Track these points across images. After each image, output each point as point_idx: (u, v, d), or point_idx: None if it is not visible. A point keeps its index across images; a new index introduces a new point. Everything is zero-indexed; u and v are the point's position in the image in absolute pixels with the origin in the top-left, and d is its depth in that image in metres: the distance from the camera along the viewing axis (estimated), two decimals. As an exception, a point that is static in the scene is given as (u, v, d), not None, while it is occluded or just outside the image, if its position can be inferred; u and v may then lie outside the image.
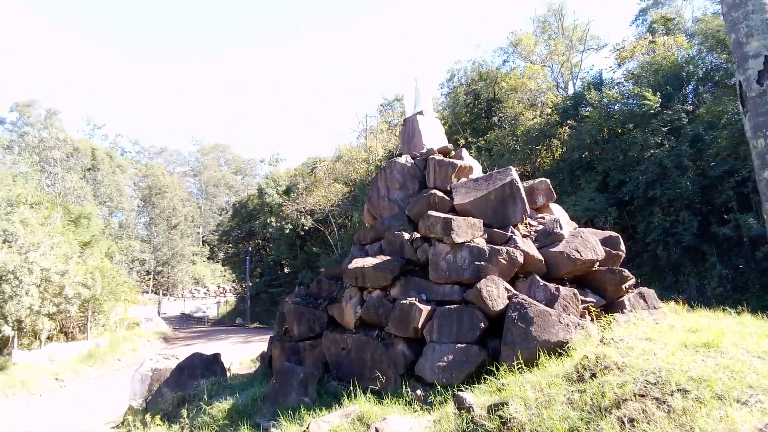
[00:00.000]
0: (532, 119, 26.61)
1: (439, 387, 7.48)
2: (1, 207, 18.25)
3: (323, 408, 8.10)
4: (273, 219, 42.72)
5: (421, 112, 12.75)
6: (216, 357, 12.11)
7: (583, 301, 8.36)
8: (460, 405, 6.48)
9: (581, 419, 5.31)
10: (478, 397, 6.63)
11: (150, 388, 12.42)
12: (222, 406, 9.05)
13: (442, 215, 9.45)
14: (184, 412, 8.99)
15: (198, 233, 76.42)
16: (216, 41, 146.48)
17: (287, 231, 40.67)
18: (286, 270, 45.20)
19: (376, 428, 6.59)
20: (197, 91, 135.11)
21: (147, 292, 51.11)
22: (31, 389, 18.46)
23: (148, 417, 8.60)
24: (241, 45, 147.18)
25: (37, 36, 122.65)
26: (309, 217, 37.57)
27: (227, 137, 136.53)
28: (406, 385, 8.08)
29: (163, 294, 52.69)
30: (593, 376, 6.00)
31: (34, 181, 30.55)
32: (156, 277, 57.48)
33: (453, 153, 11.68)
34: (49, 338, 22.35)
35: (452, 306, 8.50)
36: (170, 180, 68.09)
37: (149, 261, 54.95)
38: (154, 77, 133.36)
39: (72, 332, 24.58)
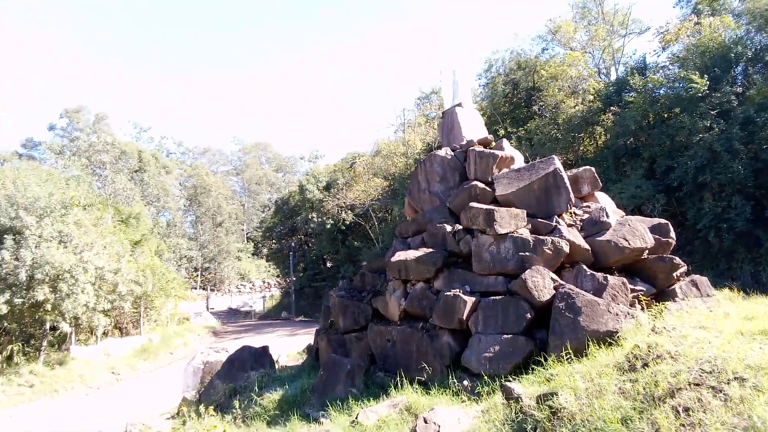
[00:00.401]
0: (574, 107, 26.06)
1: (485, 377, 7.48)
2: (56, 209, 19.00)
3: (370, 398, 8.22)
4: (314, 214, 43.21)
5: (459, 104, 12.67)
6: (265, 350, 12.39)
7: (632, 290, 8.20)
8: (509, 395, 6.47)
9: (634, 409, 5.24)
10: (526, 387, 6.61)
11: (202, 380, 12.80)
12: (272, 396, 9.28)
13: (484, 206, 9.40)
14: (236, 403, 9.24)
15: (242, 230, 78.05)
16: (251, 44, 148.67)
17: (328, 226, 41.09)
18: (328, 264, 45.69)
19: (424, 418, 6.65)
20: (236, 91, 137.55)
21: (195, 288, 52.52)
22: (89, 383, 19.29)
23: (201, 408, 8.89)
24: (275, 45, 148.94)
25: (84, 43, 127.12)
26: (349, 211, 37.87)
27: (267, 136, 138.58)
28: (452, 376, 8.11)
29: (211, 290, 54.09)
30: (645, 365, 5.89)
31: (86, 183, 31.73)
32: (203, 273, 59.04)
33: (493, 144, 11.59)
34: (105, 334, 23.27)
35: (497, 297, 8.47)
36: (214, 179, 69.63)
37: (196, 258, 56.46)
38: (195, 82, 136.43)
39: (126, 328, 25.53)
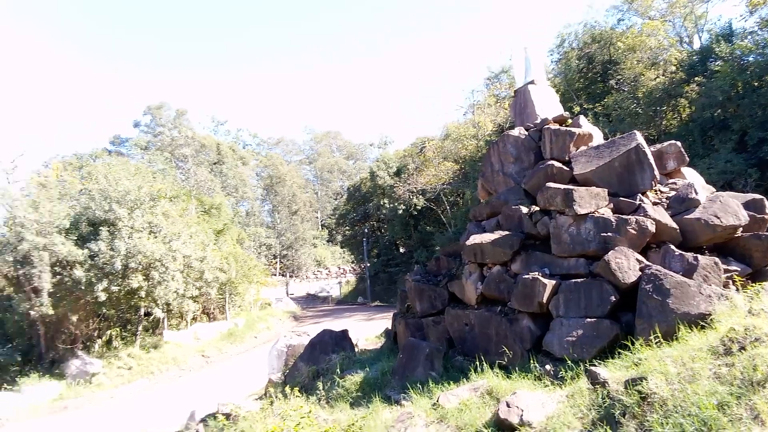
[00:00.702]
0: (654, 79, 24.67)
1: (569, 362, 7.34)
2: (145, 201, 20.15)
3: (450, 382, 8.27)
4: (386, 200, 43.54)
5: (532, 82, 12.33)
6: (344, 333, 12.71)
7: (725, 270, 7.74)
8: (594, 380, 6.32)
9: (731, 394, 4.99)
10: (612, 372, 6.43)
11: (286, 362, 13.31)
12: (354, 379, 9.52)
13: (562, 186, 9.14)
14: (320, 385, 9.56)
15: (316, 218, 79.82)
16: (321, 36, 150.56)
17: (400, 211, 41.29)
18: (401, 249, 46.01)
19: (506, 402, 6.62)
20: (306, 81, 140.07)
21: (275, 275, 54.39)
22: (181, 365, 20.51)
23: (287, 389, 9.24)
24: (343, 36, 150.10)
25: (164, 41, 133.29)
26: (421, 196, 37.86)
27: (338, 124, 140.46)
28: (533, 360, 8.01)
29: (290, 276, 55.82)
30: (742, 348, 5.58)
31: (171, 176, 33.50)
32: (282, 260, 60.99)
33: (569, 121, 11.20)
34: (194, 319, 24.62)
35: (579, 280, 8.25)
36: (288, 168, 71.51)
37: (275, 245, 58.38)
38: (268, 76, 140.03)
39: (213, 313, 26.89)
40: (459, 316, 9.86)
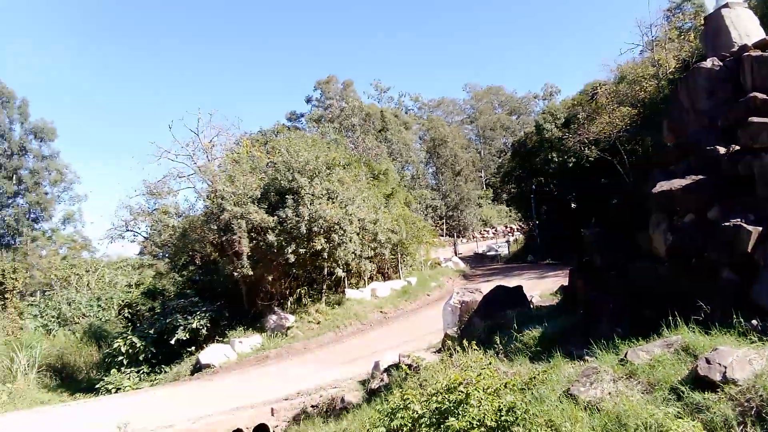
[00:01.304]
0: None
1: (781, 316, 6.50)
2: (322, 170, 21.59)
3: (638, 338, 7.80)
4: (554, 154, 41.59)
5: (726, 5, 10.74)
6: (519, 289, 12.58)
7: None
8: (818, 335, 5.53)
9: None
10: (842, 326, 5.57)
11: (460, 318, 13.57)
12: (532, 334, 9.42)
13: (769, 120, 7.95)
14: (497, 339, 9.60)
15: (480, 177, 79.23)
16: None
17: (571, 165, 39.23)
18: (573, 205, 43.89)
19: (706, 359, 6.08)
20: (466, 34, 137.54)
21: (442, 236, 55.34)
22: (362, 320, 21.95)
23: (464, 343, 9.43)
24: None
25: (327, 14, 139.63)
26: (593, 147, 35.49)
27: (498, 78, 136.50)
28: (736, 315, 7.22)
29: (456, 236, 56.41)
30: None
31: (342, 146, 35.35)
32: (448, 221, 61.80)
33: (774, 46, 9.62)
34: (371, 278, 26.10)
35: (792, 225, 7.20)
36: (450, 130, 71.58)
37: (440, 207, 59.28)
38: (424, 35, 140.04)
39: (387, 272, 28.25)
40: (646, 269, 9.17)
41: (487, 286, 14.87)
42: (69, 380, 20.66)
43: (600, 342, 8.00)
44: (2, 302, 20.89)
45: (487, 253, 47.33)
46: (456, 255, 43.41)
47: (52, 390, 18.86)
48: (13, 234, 53.33)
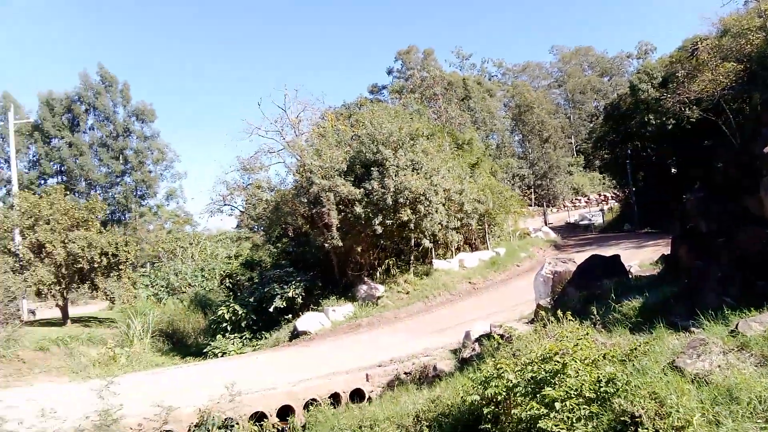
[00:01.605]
0: None
1: None
2: (406, 141, 21.55)
3: (750, 308, 7.30)
4: (651, 116, 39.10)
5: None
6: (616, 258, 12.08)
7: None
8: None
9: None
10: None
11: (553, 288, 13.26)
12: (631, 304, 9.06)
13: None
14: (593, 310, 9.31)
15: (570, 144, 76.20)
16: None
17: (670, 127, 36.78)
18: (672, 170, 41.29)
19: (833, 331, 5.60)
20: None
21: (531, 205, 54.02)
22: (450, 291, 22.00)
23: (559, 313, 9.22)
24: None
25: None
26: (694, 107, 33.00)
27: (587, 39, 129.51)
28: None
29: (546, 206, 54.85)
30: None
31: (425, 116, 35.10)
32: (536, 190, 60.15)
33: None
34: (458, 249, 26.01)
35: None
36: (536, 95, 69.14)
37: (528, 176, 57.74)
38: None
39: (474, 243, 28.04)
40: (756, 234, 8.52)
41: (580, 257, 14.43)
42: (179, 345, 22.34)
43: (707, 312, 7.57)
44: (117, 273, 22.74)
45: (580, 223, 45.67)
46: (546, 225, 42.26)
47: (165, 354, 20.47)
48: (123, 210, 58.27)
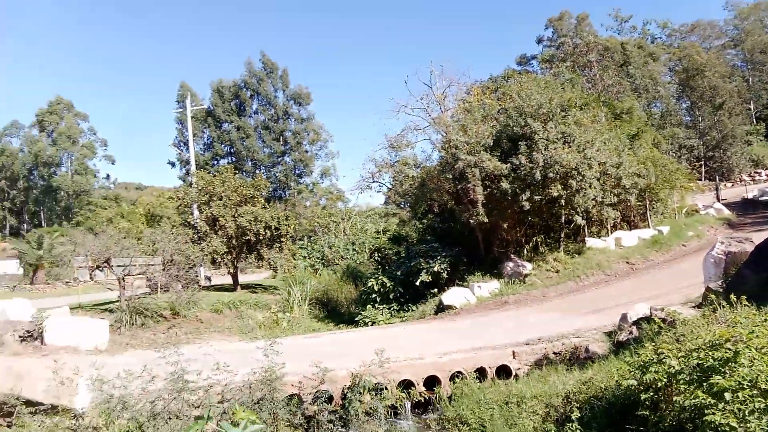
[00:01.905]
0: None
1: None
2: (557, 113, 20.53)
3: None
4: None
5: None
6: (805, 238, 10.54)
7: None
8: None
9: None
10: None
11: (725, 270, 11.93)
12: (825, 290, 7.86)
13: None
14: (776, 294, 8.24)
15: (748, 110, 67.36)
16: None
17: None
18: None
19: None
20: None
21: (700, 180, 48.89)
22: (605, 271, 20.77)
23: (732, 297, 8.29)
24: None
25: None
26: None
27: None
28: None
29: (719, 180, 49.26)
30: None
31: (578, 85, 33.14)
32: (707, 163, 54.23)
33: None
34: (614, 227, 24.42)
35: None
36: (707, 57, 61.83)
37: (697, 147, 52.22)
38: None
39: (633, 220, 26.10)
40: None
41: (759, 236, 12.92)
42: (333, 313, 23.73)
43: None
44: (279, 245, 24.64)
45: (760, 199, 40.32)
46: (718, 201, 37.96)
47: (320, 320, 21.89)
48: (284, 188, 63.42)
